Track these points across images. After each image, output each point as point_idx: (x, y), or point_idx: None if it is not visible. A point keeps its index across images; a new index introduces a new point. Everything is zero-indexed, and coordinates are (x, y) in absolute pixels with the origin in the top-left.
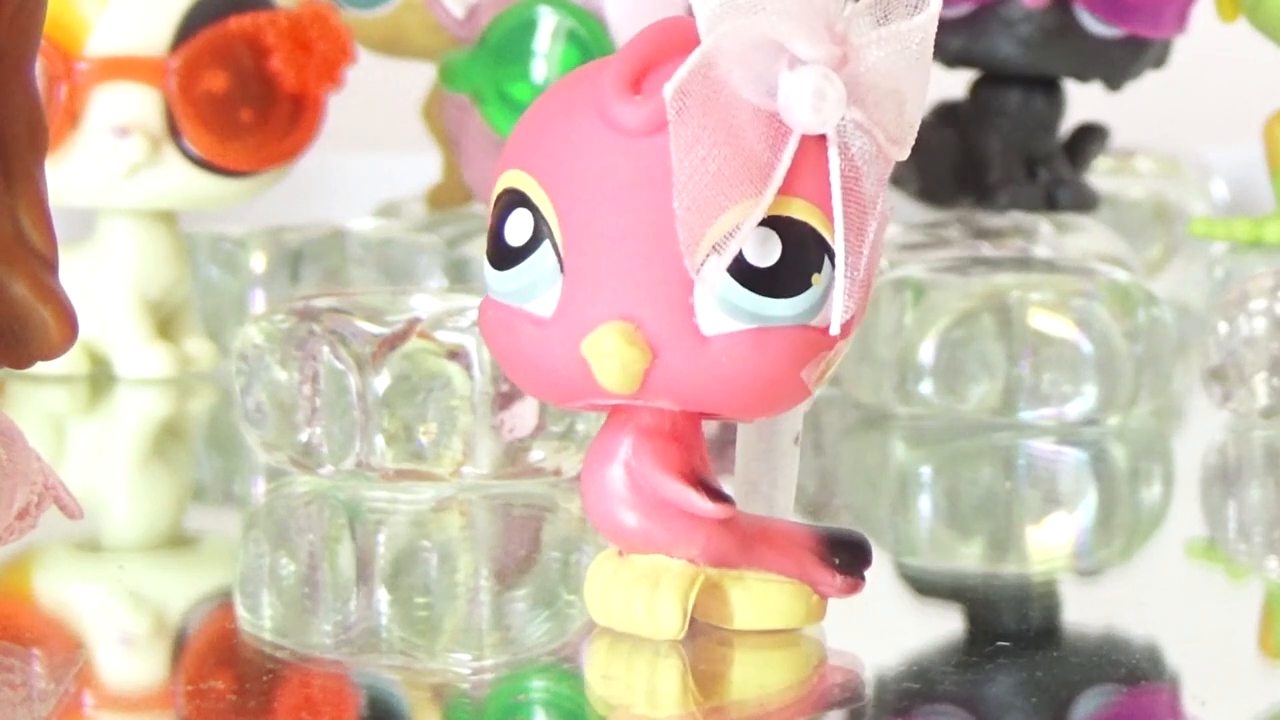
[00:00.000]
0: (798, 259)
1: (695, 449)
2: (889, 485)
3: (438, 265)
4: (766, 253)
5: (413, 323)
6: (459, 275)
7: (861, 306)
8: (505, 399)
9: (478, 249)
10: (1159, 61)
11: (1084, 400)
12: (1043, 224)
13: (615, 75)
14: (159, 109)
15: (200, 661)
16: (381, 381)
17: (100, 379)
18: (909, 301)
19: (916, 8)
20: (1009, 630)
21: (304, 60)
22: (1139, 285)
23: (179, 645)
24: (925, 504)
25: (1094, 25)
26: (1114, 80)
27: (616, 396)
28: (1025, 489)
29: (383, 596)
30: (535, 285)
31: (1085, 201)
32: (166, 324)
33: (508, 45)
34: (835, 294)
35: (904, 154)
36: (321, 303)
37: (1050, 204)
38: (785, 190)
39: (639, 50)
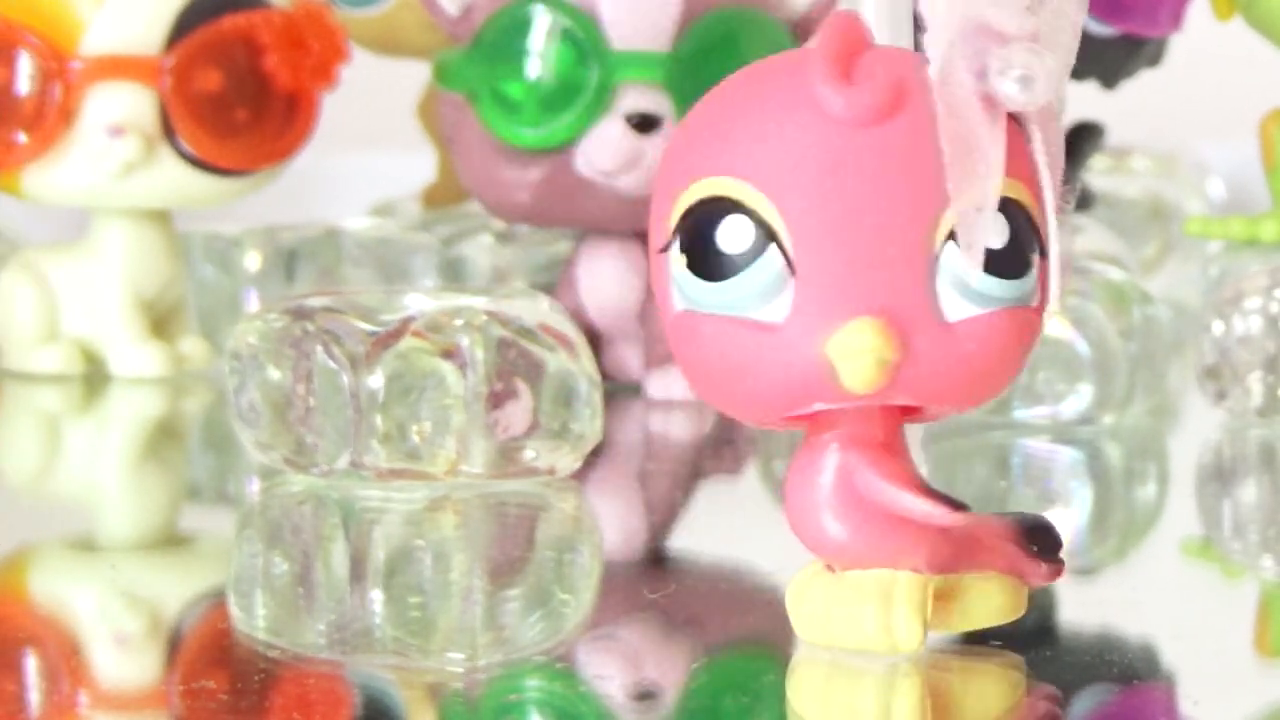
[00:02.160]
0: (1021, 239)
1: (906, 456)
2: None
3: (433, 264)
4: (999, 234)
5: (407, 322)
6: (454, 274)
7: (1067, 285)
8: (498, 398)
9: (473, 248)
10: (1155, 60)
11: (1079, 399)
12: None
13: (828, 65)
14: (153, 108)
15: (193, 661)
16: (375, 381)
17: (94, 378)
18: None
19: None
20: (1003, 629)
21: (299, 59)
22: (1134, 284)
23: (172, 644)
24: None
25: (1090, 24)
26: (1110, 79)
27: (851, 398)
28: (1020, 488)
29: (376, 596)
30: (763, 291)
31: (1081, 200)
32: (161, 323)
33: (502, 44)
34: (1051, 270)
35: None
36: (315, 302)
37: None
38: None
39: (841, 38)
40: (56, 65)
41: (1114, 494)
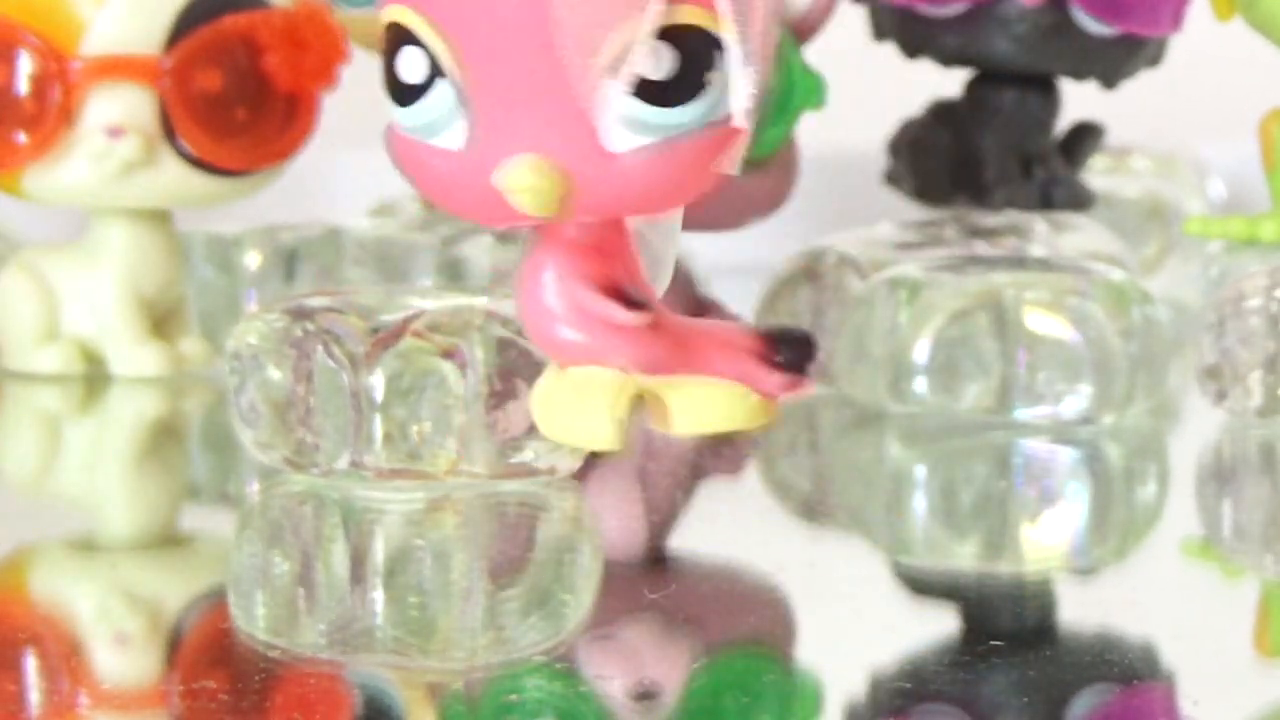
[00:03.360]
0: (691, 65)
1: (618, 257)
2: (883, 484)
3: (432, 264)
4: (660, 65)
5: (407, 321)
6: (454, 274)
7: (762, 87)
8: (499, 398)
9: (473, 248)
10: (1155, 60)
11: (1079, 399)
12: (1038, 223)
13: None
14: (153, 108)
15: (194, 661)
16: (375, 380)
17: (95, 378)
18: (903, 300)
19: None
20: (1004, 629)
21: (299, 59)
22: (1134, 284)
23: (173, 645)
24: (920, 503)
25: (1090, 24)
26: (1110, 79)
27: (537, 219)
28: (1020, 488)
29: (376, 596)
30: (439, 121)
31: (1081, 200)
32: (161, 323)
33: None
34: (733, 80)
35: None
36: (316, 302)
37: (1045, 203)
38: None
39: None
40: (56, 65)
41: (1114, 494)
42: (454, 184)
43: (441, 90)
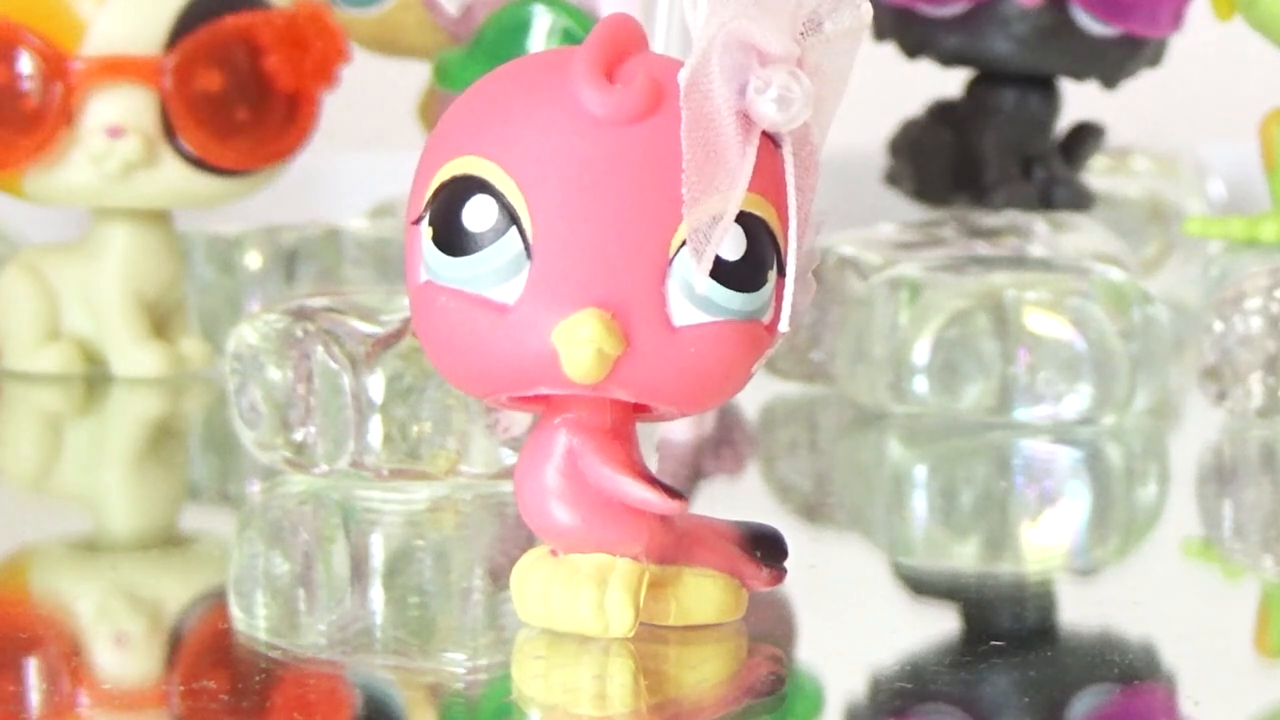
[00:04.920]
0: (759, 254)
1: (635, 446)
2: (884, 484)
3: None
4: (734, 247)
5: (407, 322)
6: None
7: (804, 306)
8: None
9: None
10: (1155, 60)
11: (1079, 399)
12: (1038, 223)
13: (590, 64)
14: (154, 108)
15: (194, 661)
16: (375, 381)
17: (95, 378)
18: (904, 300)
19: (855, 9)
20: (1004, 629)
21: (299, 59)
22: (1134, 284)
23: (173, 645)
24: (920, 503)
25: (1090, 24)
26: (1110, 79)
27: (574, 386)
28: (1020, 488)
29: (377, 596)
30: (499, 272)
31: (1081, 200)
32: (161, 324)
33: (503, 44)
34: (786, 291)
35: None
36: (316, 302)
37: (1046, 203)
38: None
39: (610, 40)
40: (57, 65)
41: (1114, 494)
42: (498, 339)
43: (509, 239)
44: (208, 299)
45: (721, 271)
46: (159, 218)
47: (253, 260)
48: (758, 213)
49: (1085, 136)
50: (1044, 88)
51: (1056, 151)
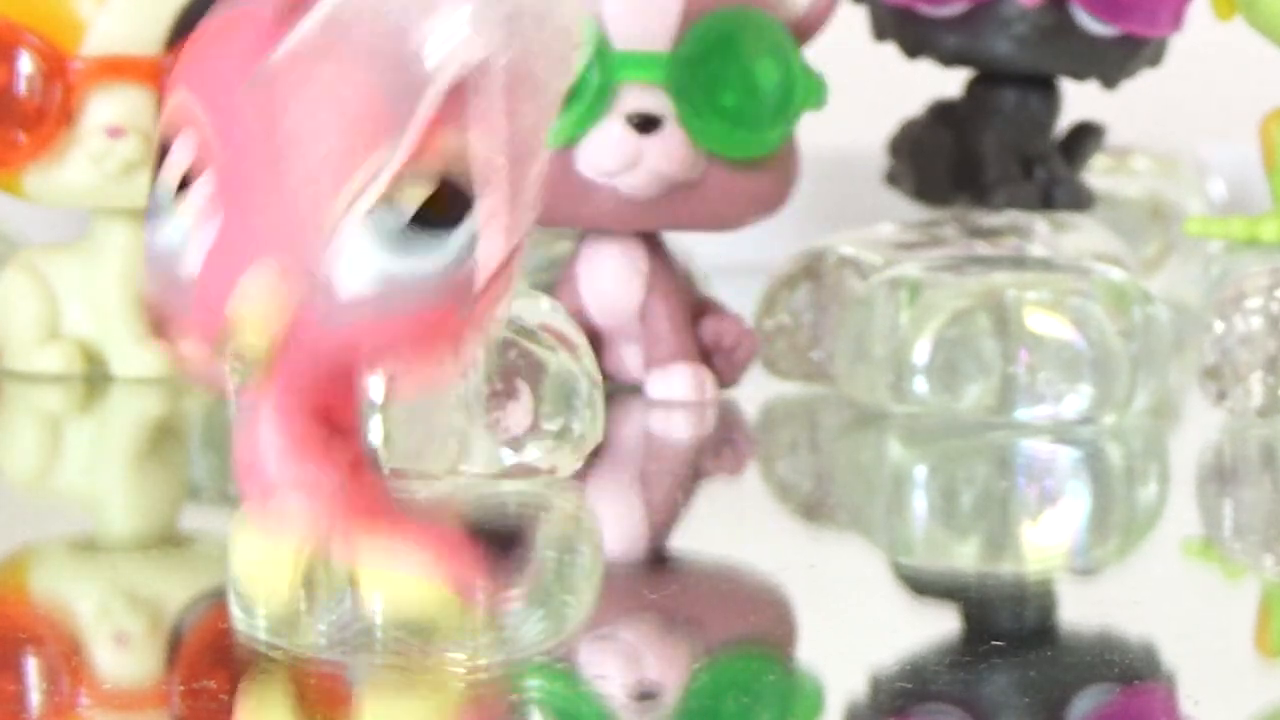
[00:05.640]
0: (437, 213)
1: (339, 399)
2: (884, 484)
3: None
4: (404, 208)
5: None
6: None
7: (513, 251)
8: (499, 398)
9: None
10: (1155, 60)
11: (1080, 399)
12: (1039, 223)
13: (275, 6)
14: (154, 108)
15: (194, 661)
16: (375, 381)
17: (95, 378)
18: (904, 300)
19: None
20: (1004, 629)
21: None
22: (1135, 284)
23: (173, 645)
24: (921, 503)
25: (1090, 24)
26: (1110, 79)
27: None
28: (1021, 488)
29: (376, 595)
30: (188, 226)
31: (1081, 200)
32: None
33: None
34: (481, 242)
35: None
36: None
37: (1046, 203)
38: (424, 141)
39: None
40: (57, 65)
41: (1115, 494)
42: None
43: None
44: None
45: (388, 234)
46: None
47: None
48: (439, 167)
49: (1085, 136)
50: (1044, 88)
51: (1057, 151)
